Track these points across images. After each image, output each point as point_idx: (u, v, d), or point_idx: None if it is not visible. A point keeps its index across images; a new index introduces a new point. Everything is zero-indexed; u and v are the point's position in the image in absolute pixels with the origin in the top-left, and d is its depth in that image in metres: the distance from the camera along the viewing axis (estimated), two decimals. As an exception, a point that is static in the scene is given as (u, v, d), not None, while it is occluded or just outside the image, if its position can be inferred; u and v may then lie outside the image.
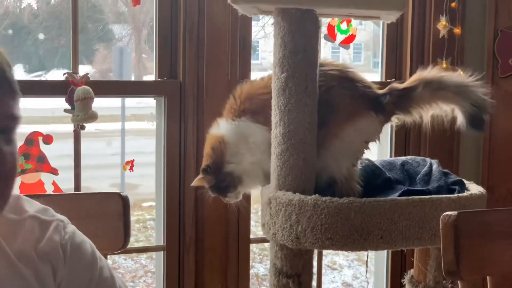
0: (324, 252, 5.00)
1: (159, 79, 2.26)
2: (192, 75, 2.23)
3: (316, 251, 2.50)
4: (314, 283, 2.49)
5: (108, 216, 1.54)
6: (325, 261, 4.91)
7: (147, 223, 5.16)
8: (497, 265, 1.46)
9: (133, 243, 4.52)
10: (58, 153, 2.28)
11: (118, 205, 1.55)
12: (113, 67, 5.04)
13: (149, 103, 2.35)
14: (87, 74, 2.11)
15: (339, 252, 5.09)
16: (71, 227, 1.20)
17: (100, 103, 2.12)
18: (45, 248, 1.14)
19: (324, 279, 4.69)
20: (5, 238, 1.12)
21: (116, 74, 4.70)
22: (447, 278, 1.46)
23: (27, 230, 1.15)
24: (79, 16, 2.16)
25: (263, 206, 1.96)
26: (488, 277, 1.47)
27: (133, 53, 5.03)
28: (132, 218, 5.34)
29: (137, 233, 5.05)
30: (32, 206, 1.19)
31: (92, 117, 2.06)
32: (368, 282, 2.49)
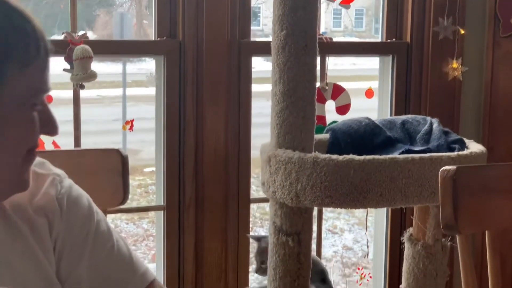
0: (325, 216, 5.02)
1: (158, 39, 2.24)
2: (191, 35, 2.22)
3: (316, 215, 2.51)
4: (314, 246, 2.50)
5: (107, 172, 1.54)
6: (326, 225, 4.93)
7: (149, 188, 5.17)
8: (495, 220, 1.46)
9: (135, 207, 4.53)
10: (58, 118, 2.27)
11: (117, 161, 1.55)
12: (114, 32, 5.01)
13: (150, 69, 2.34)
14: (86, 33, 2.09)
15: (340, 216, 5.12)
16: (67, 181, 1.19)
17: (101, 69, 2.12)
18: (40, 202, 1.13)
19: (325, 243, 4.72)
20: None
21: (117, 39, 4.68)
22: (445, 232, 1.46)
23: None
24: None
25: (262, 164, 1.96)
26: (486, 232, 1.47)
27: (134, 19, 5.01)
28: (134, 183, 5.38)
29: (139, 198, 5.07)
30: None
31: (91, 76, 2.06)
32: (368, 240, 2.49)
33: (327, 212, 4.94)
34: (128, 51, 2.28)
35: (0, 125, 1.00)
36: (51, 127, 1.08)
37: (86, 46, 2.05)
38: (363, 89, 2.50)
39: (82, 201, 1.19)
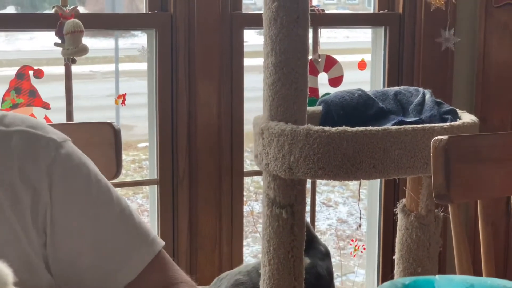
0: (319, 189, 5.03)
1: (149, 12, 2.23)
2: (183, 8, 2.21)
3: (309, 187, 2.52)
4: (308, 219, 2.51)
5: (100, 146, 1.53)
6: (320, 198, 4.94)
7: (143, 163, 5.17)
8: (487, 189, 1.47)
9: (130, 181, 4.53)
10: (50, 95, 2.27)
11: (110, 135, 1.54)
12: (106, 7, 4.98)
13: (143, 44, 2.33)
14: (76, 7, 2.08)
15: (334, 189, 5.13)
16: (67, 148, 1.11)
17: (93, 44, 2.11)
18: (29, 170, 1.06)
19: (319, 216, 4.73)
20: None
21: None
22: (437, 201, 1.46)
23: (12, 145, 1.07)
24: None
25: (255, 137, 1.96)
26: (478, 201, 1.48)
27: (126, -7, 4.96)
28: (128, 158, 5.36)
29: (133, 173, 5.06)
30: (26, 121, 1.11)
31: (83, 50, 2.05)
32: (360, 211, 2.50)
33: (321, 186, 4.95)
34: (119, 24, 2.27)
35: None
36: None
37: (77, 20, 2.04)
38: (356, 61, 2.49)
39: (82, 170, 1.11)
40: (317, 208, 4.85)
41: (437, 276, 0.88)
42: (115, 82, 5.53)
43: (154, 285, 1.13)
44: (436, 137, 1.42)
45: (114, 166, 1.54)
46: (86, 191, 1.11)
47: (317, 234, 3.79)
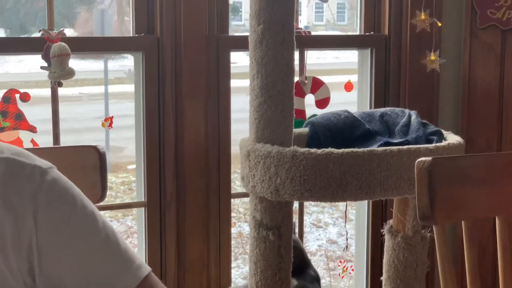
0: (309, 210, 5.03)
1: (136, 35, 2.24)
2: (169, 30, 2.21)
3: (297, 208, 2.52)
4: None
5: (85, 170, 1.53)
6: (310, 219, 4.95)
7: (132, 185, 5.16)
8: (471, 210, 1.47)
9: (119, 204, 4.52)
10: (37, 117, 2.27)
11: (95, 158, 1.54)
12: (95, 30, 4.99)
13: (131, 65, 2.33)
14: (63, 30, 2.09)
15: (324, 210, 5.13)
16: (52, 175, 1.10)
17: (82, 66, 2.11)
18: (12, 196, 1.05)
19: (309, 237, 4.73)
20: None
21: (98, 36, 4.65)
22: (422, 223, 1.47)
23: None
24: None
25: (242, 159, 1.97)
26: (463, 222, 1.48)
27: (115, 15, 4.98)
28: (117, 180, 5.35)
29: (123, 195, 5.05)
30: (11, 149, 1.11)
31: (69, 73, 2.05)
32: (347, 232, 2.51)
33: (311, 206, 4.96)
34: (105, 47, 2.27)
35: None
36: None
37: (63, 44, 2.04)
38: (343, 82, 2.51)
39: (67, 197, 1.11)
40: (307, 229, 4.85)
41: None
42: (104, 104, 5.54)
43: None
44: (420, 159, 1.43)
45: (99, 190, 1.54)
46: (71, 218, 1.10)
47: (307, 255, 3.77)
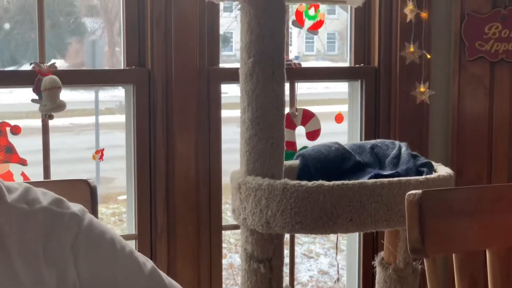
0: (300, 241, 5.02)
1: (127, 68, 2.25)
2: (160, 63, 2.23)
3: (289, 240, 2.51)
4: (287, 271, 2.50)
5: (76, 203, 1.53)
6: (301, 249, 4.93)
7: (123, 216, 5.14)
8: (461, 242, 1.48)
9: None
10: (28, 148, 2.27)
11: (86, 192, 1.54)
12: (86, 60, 5.01)
13: (123, 96, 2.34)
14: (54, 63, 2.09)
15: (316, 240, 5.12)
16: (87, 219, 1.12)
17: (73, 97, 2.11)
18: (53, 249, 1.06)
19: (300, 267, 4.72)
20: (10, 231, 1.04)
21: (89, 67, 4.67)
22: (412, 256, 1.47)
23: (37, 224, 1.06)
24: (51, 10, 2.14)
25: (233, 191, 1.97)
26: (453, 255, 1.48)
27: (106, 46, 5.01)
28: (108, 211, 5.34)
29: (113, 226, 5.03)
30: (47, 197, 1.12)
31: (60, 106, 2.05)
32: (338, 264, 2.50)
33: (302, 237, 4.95)
34: (96, 80, 2.28)
35: None
36: None
37: (54, 77, 2.05)
38: (333, 112, 2.52)
39: (105, 238, 1.12)
40: (298, 260, 4.83)
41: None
42: (95, 135, 5.54)
43: None
44: (410, 192, 1.43)
45: (90, 224, 1.53)
46: (113, 259, 1.11)
47: (298, 286, 3.75)
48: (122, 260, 1.12)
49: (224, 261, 3.62)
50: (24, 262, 1.04)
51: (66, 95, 2.08)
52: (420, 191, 1.43)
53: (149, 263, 1.16)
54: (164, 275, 1.17)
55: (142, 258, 1.16)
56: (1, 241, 1.04)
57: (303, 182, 1.84)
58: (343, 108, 2.61)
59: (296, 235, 2.69)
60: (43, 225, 1.07)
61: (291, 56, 2.50)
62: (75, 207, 1.14)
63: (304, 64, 2.43)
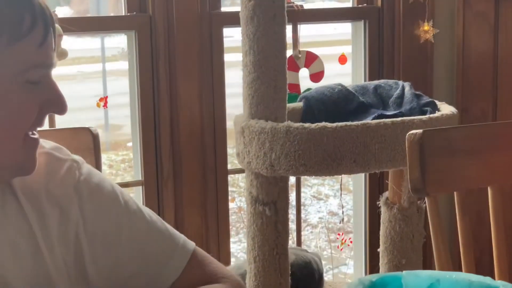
0: (309, 183, 5.05)
1: (128, 14, 2.24)
2: (161, 9, 2.21)
3: (295, 183, 2.53)
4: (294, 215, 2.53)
5: (78, 152, 1.51)
6: (310, 191, 4.96)
7: (132, 162, 5.18)
8: (462, 181, 1.48)
9: (119, 182, 4.53)
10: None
11: (88, 140, 1.54)
12: (91, 6, 4.97)
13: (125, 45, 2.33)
14: (54, 11, 2.08)
15: (325, 182, 5.15)
16: (86, 167, 1.15)
17: (79, 45, 2.10)
18: (55, 189, 1.09)
19: (310, 209, 4.75)
20: None
21: (94, 14, 4.63)
22: (413, 194, 1.48)
23: (40, 166, 1.08)
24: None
25: (236, 136, 1.98)
26: (455, 193, 1.49)
27: (111, -8, 4.95)
28: (118, 158, 5.36)
29: (123, 173, 5.06)
30: (47, 143, 1.14)
31: (62, 54, 2.05)
32: (343, 206, 2.52)
33: (311, 179, 4.97)
34: (97, 27, 2.27)
35: None
36: (57, 106, 1.04)
37: (56, 24, 2.03)
38: (337, 54, 2.50)
39: (105, 185, 1.14)
40: (308, 202, 4.87)
41: (404, 272, 0.89)
42: (102, 82, 5.52)
43: (196, 280, 1.15)
44: (411, 132, 1.43)
45: (94, 171, 1.55)
46: (115, 203, 1.14)
47: (308, 227, 3.79)
48: (123, 203, 1.15)
49: (233, 205, 3.65)
50: (28, 202, 1.07)
51: (72, 42, 2.07)
52: (420, 130, 1.43)
53: (145, 208, 1.19)
54: (160, 219, 1.20)
55: (138, 203, 1.19)
56: (9, 183, 1.06)
57: (306, 124, 1.84)
58: (347, 49, 2.59)
59: (305, 177, 2.70)
60: (45, 168, 1.10)
61: (297, -3, 2.47)
62: (75, 155, 1.17)
63: (310, 5, 2.40)
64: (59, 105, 1.04)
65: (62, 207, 1.09)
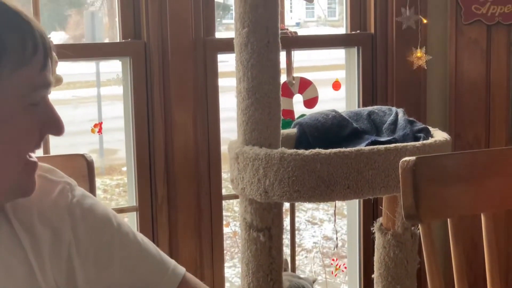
0: (304, 207, 5.05)
1: (123, 40, 2.25)
2: (156, 35, 2.22)
3: (289, 208, 2.53)
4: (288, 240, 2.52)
5: (73, 178, 1.54)
6: (305, 216, 4.96)
7: (127, 187, 5.18)
8: (456, 208, 1.49)
9: (114, 207, 4.53)
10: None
11: (83, 167, 1.55)
12: (85, 32, 4.98)
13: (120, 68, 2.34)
14: (49, 37, 2.09)
15: (319, 207, 5.15)
16: (79, 190, 1.17)
17: (74, 70, 2.11)
18: (47, 211, 1.11)
19: (305, 234, 4.75)
20: None
21: (89, 39, 4.64)
22: (407, 221, 1.48)
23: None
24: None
25: (231, 162, 1.98)
26: (448, 220, 1.49)
27: (105, 17, 4.97)
28: (112, 183, 5.36)
29: (118, 198, 5.06)
30: (42, 167, 1.15)
31: (58, 80, 2.05)
32: (337, 231, 2.52)
33: (306, 204, 4.97)
34: (92, 54, 2.28)
35: None
36: (55, 127, 1.07)
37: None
38: (331, 79, 2.52)
39: (97, 207, 1.16)
40: (303, 226, 4.86)
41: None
42: (97, 107, 5.53)
43: None
44: (404, 159, 1.44)
45: (88, 198, 1.55)
46: (108, 225, 1.16)
47: (303, 252, 3.77)
48: (116, 226, 1.16)
49: (228, 229, 3.64)
50: (20, 224, 1.08)
51: (67, 67, 2.07)
52: (413, 157, 1.44)
53: (138, 232, 1.21)
54: (152, 243, 1.22)
55: (130, 227, 1.20)
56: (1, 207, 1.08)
57: (300, 151, 1.85)
58: (341, 74, 2.61)
59: (300, 202, 2.70)
60: (38, 190, 1.10)
61: (292, 22, 2.48)
62: (68, 178, 1.19)
63: (305, 31, 2.42)
64: (57, 127, 1.07)
65: (54, 228, 1.10)
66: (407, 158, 1.44)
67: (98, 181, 5.28)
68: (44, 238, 1.09)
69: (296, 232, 4.75)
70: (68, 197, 1.13)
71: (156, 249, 1.21)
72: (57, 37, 2.08)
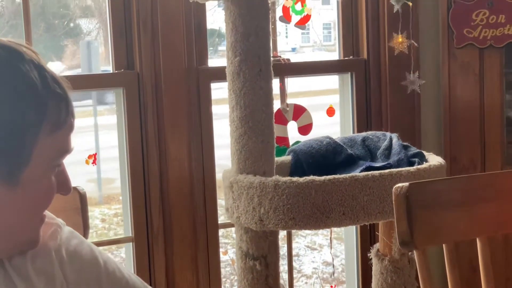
0: (303, 233, 5.03)
1: (116, 71, 2.25)
2: (149, 65, 2.23)
3: (286, 235, 2.52)
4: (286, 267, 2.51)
5: (66, 212, 1.53)
6: (304, 241, 4.94)
7: (123, 217, 5.16)
8: (450, 233, 1.48)
9: (112, 236, 4.51)
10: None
11: (75, 200, 1.55)
12: (81, 62, 5.00)
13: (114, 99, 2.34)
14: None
15: (318, 232, 5.13)
16: (66, 231, 1.18)
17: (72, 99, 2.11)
18: (39, 256, 1.11)
19: (304, 259, 4.73)
20: None
21: (85, 68, 4.67)
22: (402, 248, 1.47)
23: None
24: (45, 13, 2.14)
25: (225, 191, 1.97)
26: (444, 245, 1.49)
27: (101, 47, 5.00)
28: (111, 212, 5.34)
29: (116, 227, 5.04)
30: None
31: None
32: (333, 258, 2.51)
33: (304, 229, 4.95)
34: (86, 85, 2.28)
35: (27, 187, 1.01)
36: (66, 188, 1.11)
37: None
38: (326, 104, 2.52)
39: (83, 247, 1.18)
40: (302, 252, 4.84)
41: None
42: (94, 137, 5.53)
43: None
44: (397, 185, 1.43)
45: (81, 231, 1.54)
46: (94, 264, 1.17)
47: (303, 278, 3.75)
48: (103, 264, 1.18)
49: (226, 257, 3.62)
50: (15, 271, 1.08)
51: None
52: (407, 183, 1.43)
53: (123, 268, 1.22)
54: (142, 281, 1.23)
55: (120, 266, 1.22)
56: None
57: (294, 178, 1.84)
58: (335, 99, 2.61)
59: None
60: None
61: (288, 48, 2.49)
62: (58, 219, 1.19)
63: (301, 56, 2.42)
64: (68, 188, 1.11)
65: (47, 274, 1.11)
66: (400, 184, 1.44)
67: (96, 211, 5.27)
68: (39, 284, 1.09)
69: (296, 257, 4.73)
70: (57, 240, 1.15)
71: (143, 283, 1.22)
72: (53, 68, 2.09)
